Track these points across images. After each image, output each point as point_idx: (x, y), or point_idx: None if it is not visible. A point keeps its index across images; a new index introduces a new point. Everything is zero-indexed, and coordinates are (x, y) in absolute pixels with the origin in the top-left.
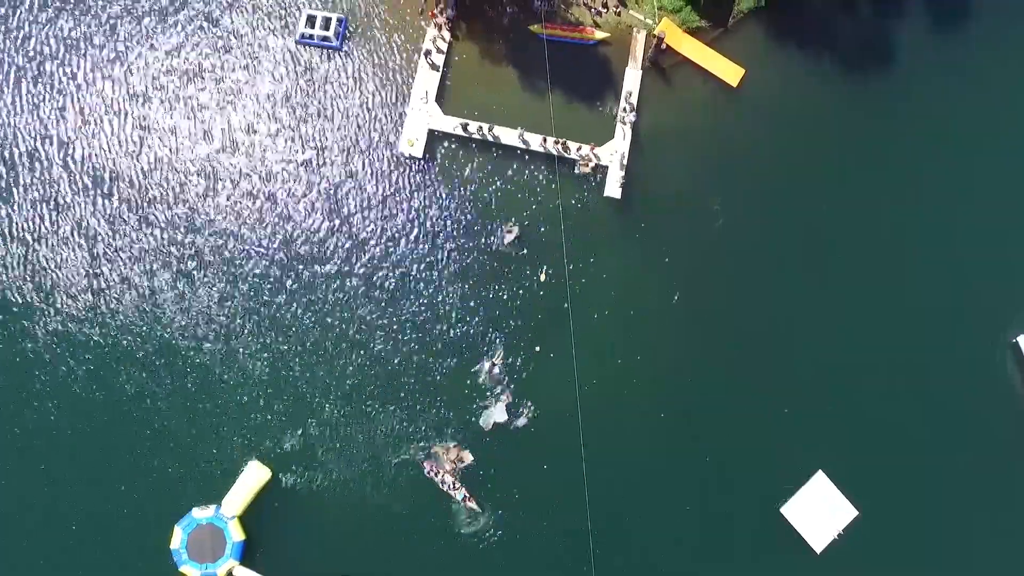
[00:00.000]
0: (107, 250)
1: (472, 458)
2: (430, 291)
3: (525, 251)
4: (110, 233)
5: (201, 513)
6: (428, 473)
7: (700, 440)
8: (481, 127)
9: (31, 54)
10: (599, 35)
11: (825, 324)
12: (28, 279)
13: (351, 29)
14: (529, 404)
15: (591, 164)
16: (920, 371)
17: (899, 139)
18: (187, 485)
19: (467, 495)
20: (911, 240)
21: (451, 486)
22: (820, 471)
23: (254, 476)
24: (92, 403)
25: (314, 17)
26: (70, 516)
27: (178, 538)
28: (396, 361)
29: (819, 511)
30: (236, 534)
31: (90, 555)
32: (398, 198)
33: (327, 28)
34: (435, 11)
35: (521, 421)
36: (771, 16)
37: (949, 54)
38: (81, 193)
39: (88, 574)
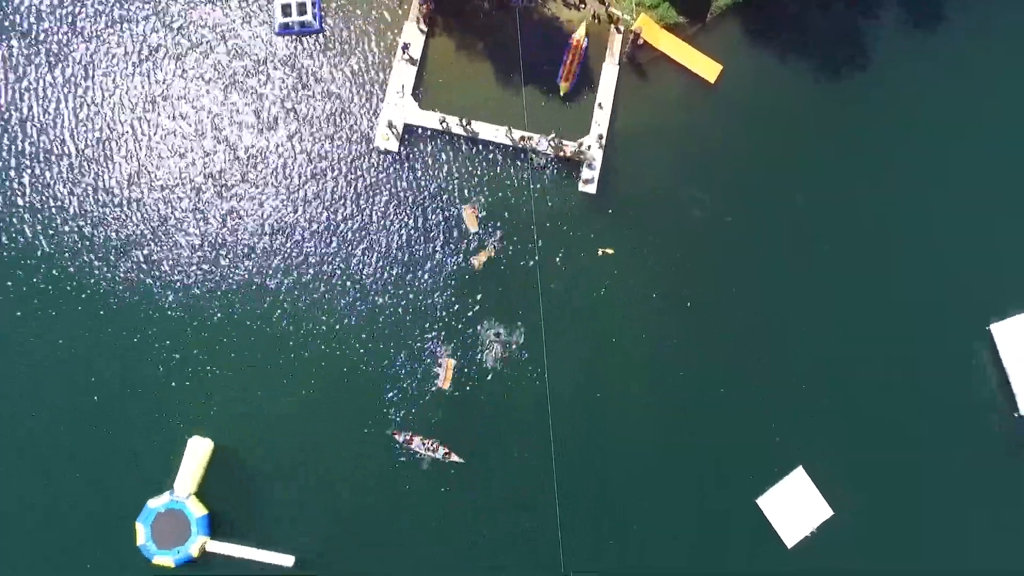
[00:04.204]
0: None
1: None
2: (403, 284)
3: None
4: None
5: (157, 502)
6: (402, 442)
7: (687, 435)
8: (458, 121)
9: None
10: (579, 34)
11: (810, 316)
12: None
13: (325, 7)
14: None
15: (567, 150)
16: (907, 369)
17: (879, 131)
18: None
19: (447, 451)
20: (892, 230)
21: (428, 447)
22: (800, 467)
23: (197, 451)
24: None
25: (288, 5)
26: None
27: (142, 533)
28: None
29: (795, 506)
30: (197, 510)
31: (90, 555)
32: (373, 192)
33: (303, 12)
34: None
35: None
36: (749, 11)
37: (925, 44)
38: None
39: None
